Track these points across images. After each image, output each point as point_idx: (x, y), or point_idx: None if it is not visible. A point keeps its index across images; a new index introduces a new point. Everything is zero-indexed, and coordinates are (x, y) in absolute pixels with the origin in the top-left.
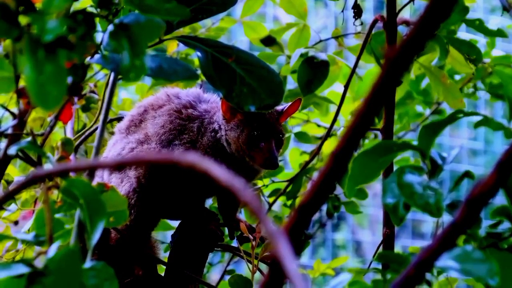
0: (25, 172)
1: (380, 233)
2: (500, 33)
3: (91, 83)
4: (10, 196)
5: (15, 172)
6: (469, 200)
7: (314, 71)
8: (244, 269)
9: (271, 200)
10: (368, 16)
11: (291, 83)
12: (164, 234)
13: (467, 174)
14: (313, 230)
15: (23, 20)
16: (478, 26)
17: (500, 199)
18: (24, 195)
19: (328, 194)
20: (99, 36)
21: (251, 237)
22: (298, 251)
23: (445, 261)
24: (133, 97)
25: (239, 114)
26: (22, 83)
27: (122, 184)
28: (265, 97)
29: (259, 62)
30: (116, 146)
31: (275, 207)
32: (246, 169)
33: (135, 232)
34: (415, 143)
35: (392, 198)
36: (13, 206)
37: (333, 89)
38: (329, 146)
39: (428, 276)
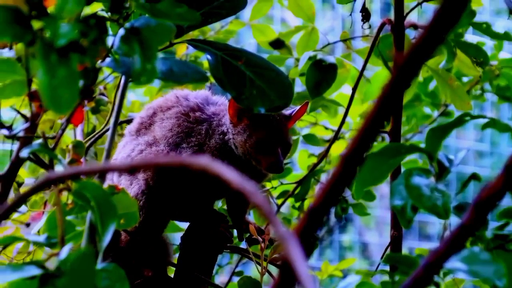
0: (35, 174)
1: (386, 234)
2: (507, 36)
3: (100, 86)
4: (24, 199)
5: (25, 174)
6: (477, 203)
7: (322, 74)
8: (252, 270)
9: (279, 202)
10: (375, 19)
11: (300, 86)
12: (173, 236)
13: (474, 177)
14: (321, 233)
15: (35, 24)
16: (485, 29)
17: (506, 201)
18: (33, 196)
19: (338, 196)
20: (109, 40)
21: (260, 239)
22: (308, 254)
23: (453, 262)
24: (141, 99)
25: (246, 119)
26: (33, 86)
27: (131, 186)
28: (274, 99)
29: (268, 65)
30: (125, 148)
31: (283, 209)
32: (254, 172)
33: (143, 233)
34: (422, 145)
35: (400, 200)
36: (22, 208)
37: (341, 91)
38: (337, 149)
39: (435, 277)
